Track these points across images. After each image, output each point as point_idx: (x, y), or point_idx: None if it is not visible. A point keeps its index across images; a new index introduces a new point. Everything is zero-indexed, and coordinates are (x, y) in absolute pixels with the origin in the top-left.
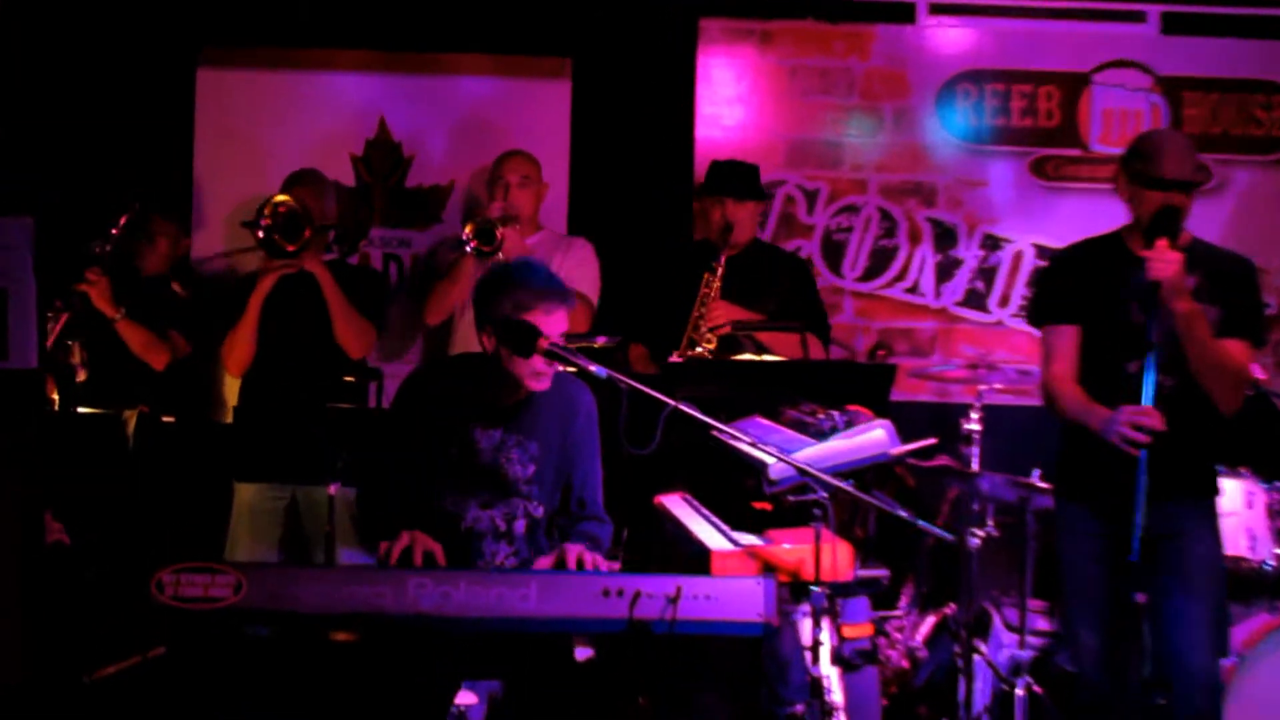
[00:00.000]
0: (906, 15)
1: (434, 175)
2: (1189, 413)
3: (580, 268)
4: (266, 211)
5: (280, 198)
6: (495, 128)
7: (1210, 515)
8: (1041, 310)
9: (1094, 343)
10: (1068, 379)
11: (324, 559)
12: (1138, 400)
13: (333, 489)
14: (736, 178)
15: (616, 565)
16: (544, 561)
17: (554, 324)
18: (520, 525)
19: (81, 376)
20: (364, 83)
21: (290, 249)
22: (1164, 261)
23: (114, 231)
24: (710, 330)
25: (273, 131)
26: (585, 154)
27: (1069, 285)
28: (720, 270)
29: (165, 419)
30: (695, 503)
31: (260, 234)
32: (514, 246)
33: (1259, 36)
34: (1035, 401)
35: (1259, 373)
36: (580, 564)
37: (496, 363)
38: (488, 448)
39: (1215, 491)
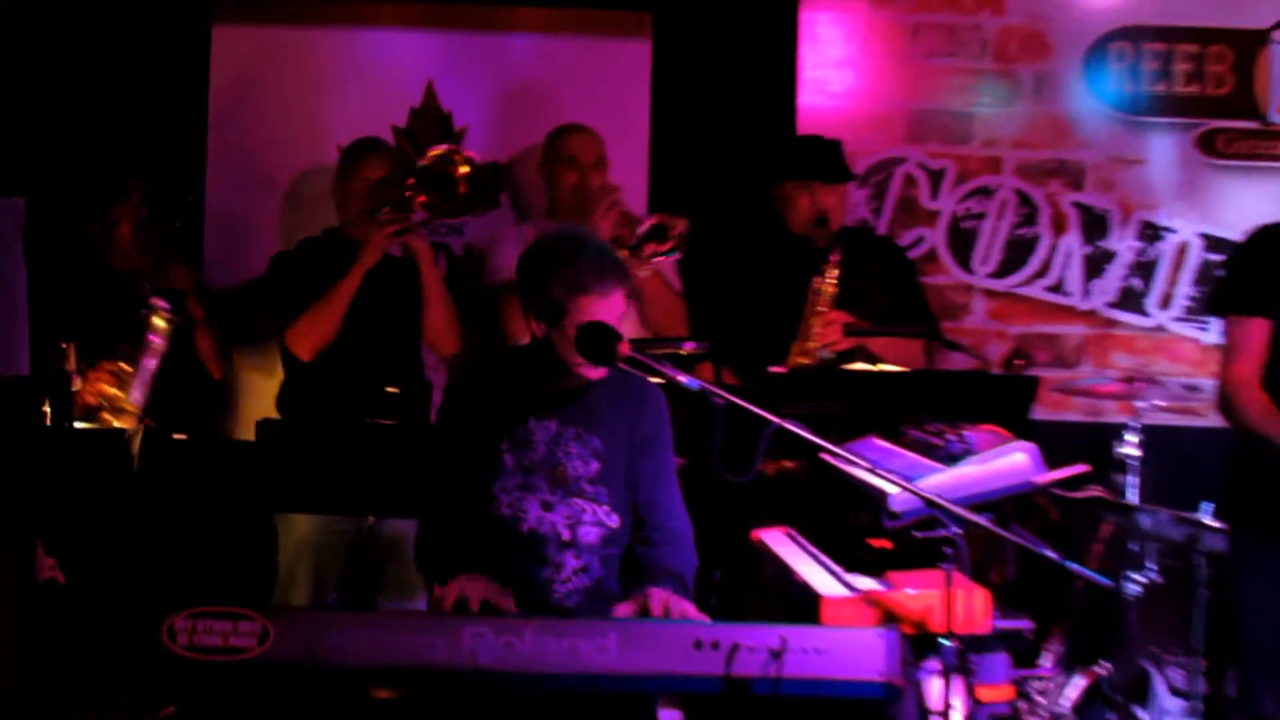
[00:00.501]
0: None
1: (491, 150)
2: None
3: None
4: (409, 183)
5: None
6: (562, 95)
7: None
8: (1228, 298)
9: None
10: (1252, 383)
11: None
12: None
13: (372, 521)
14: (825, 157)
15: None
16: (624, 609)
17: (611, 306)
18: (589, 533)
19: (77, 385)
20: (408, 41)
21: (439, 209)
22: None
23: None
24: (824, 348)
25: (301, 99)
26: (668, 127)
27: (1265, 271)
28: (832, 272)
29: (175, 436)
30: (801, 539)
31: (416, 197)
32: None
33: None
34: (1205, 422)
35: None
36: (667, 613)
37: (546, 348)
38: (543, 440)
39: None
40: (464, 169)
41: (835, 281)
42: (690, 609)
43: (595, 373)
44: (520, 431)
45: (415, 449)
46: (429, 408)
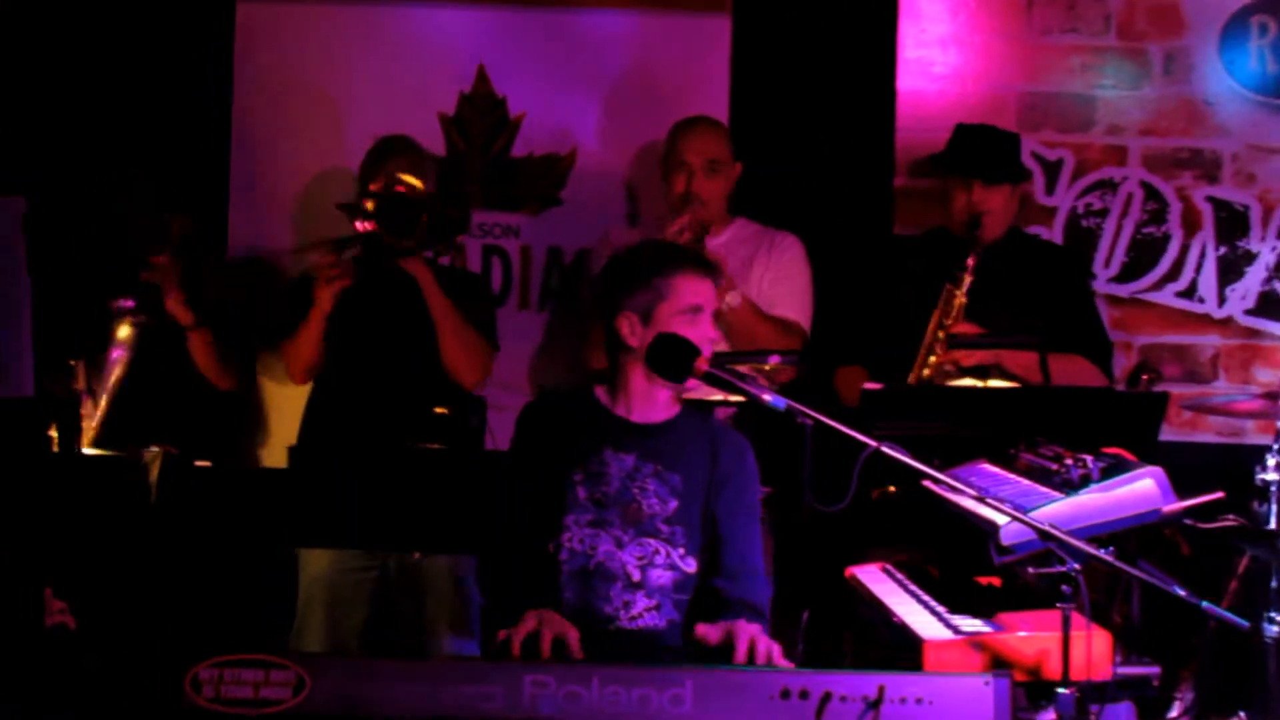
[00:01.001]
0: None
1: (549, 141)
2: None
3: (782, 277)
4: (372, 190)
5: (402, 177)
6: (629, 78)
7: None
8: None
9: None
10: None
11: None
12: None
13: (418, 556)
14: (988, 152)
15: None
16: (713, 635)
17: (703, 291)
18: (663, 576)
19: (88, 407)
20: (457, 18)
21: (406, 244)
22: None
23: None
24: (952, 367)
25: (336, 85)
26: (749, 112)
27: None
28: (967, 280)
29: (198, 463)
30: (900, 576)
31: (362, 223)
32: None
33: None
34: None
35: None
36: (752, 655)
37: (619, 373)
38: (619, 474)
39: None
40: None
41: (966, 291)
42: (778, 651)
43: (665, 399)
44: (594, 463)
45: (464, 476)
46: (480, 431)
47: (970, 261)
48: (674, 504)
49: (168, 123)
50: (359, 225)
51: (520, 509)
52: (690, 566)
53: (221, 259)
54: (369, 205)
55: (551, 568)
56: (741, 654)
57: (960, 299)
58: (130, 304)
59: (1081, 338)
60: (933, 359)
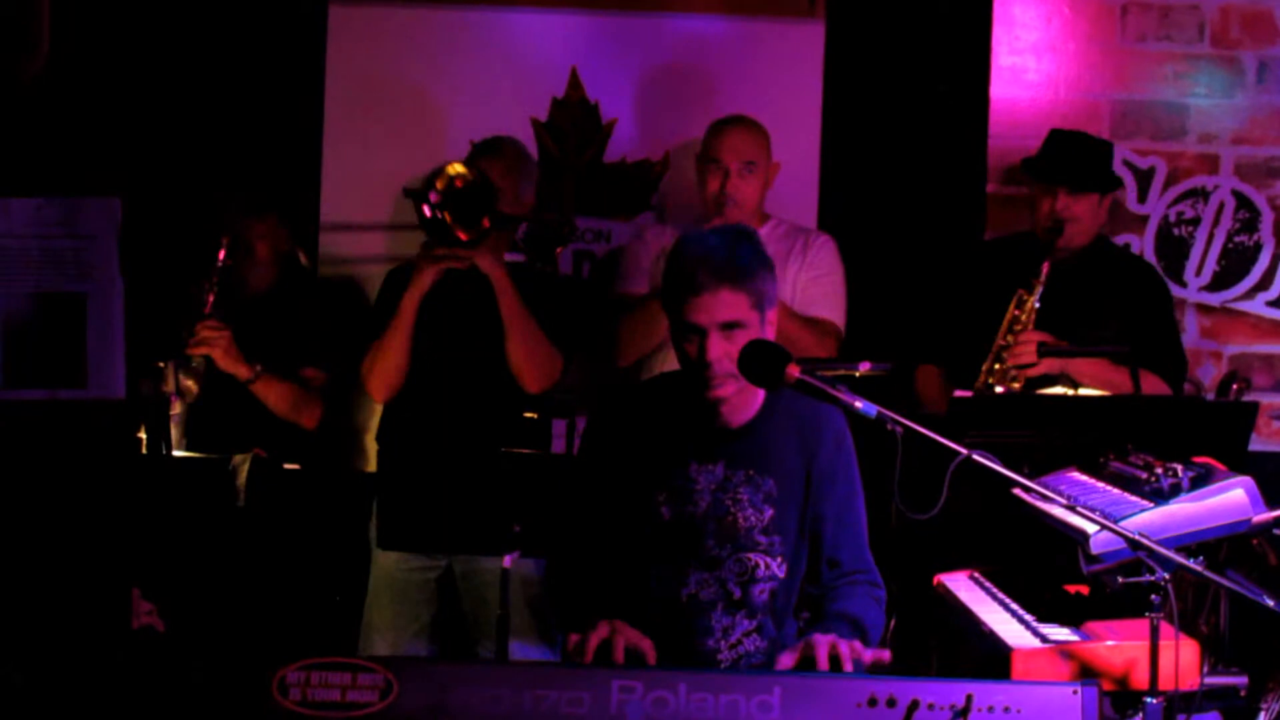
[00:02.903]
0: None
1: (642, 146)
2: None
3: (818, 277)
4: (439, 185)
5: (457, 168)
6: (722, 83)
7: None
8: None
9: None
10: None
11: (493, 652)
12: None
13: (508, 560)
14: (1077, 159)
15: (886, 654)
16: (786, 659)
17: (719, 308)
18: (763, 591)
19: (178, 409)
20: (550, 22)
21: (464, 235)
22: None
23: (218, 265)
24: (1018, 369)
25: (428, 89)
26: (842, 119)
27: None
28: (1039, 287)
29: (287, 466)
30: (989, 584)
31: (427, 210)
32: None
33: None
34: None
35: None
36: (836, 660)
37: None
38: (707, 488)
39: None
40: (452, 186)
41: (1040, 297)
42: (863, 651)
43: (722, 391)
44: (679, 479)
45: (550, 480)
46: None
47: (1045, 268)
48: (770, 512)
49: (261, 126)
50: (425, 209)
51: (591, 518)
52: (783, 572)
53: (313, 270)
54: (435, 190)
55: (638, 595)
56: (822, 664)
57: (1032, 305)
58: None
59: (1158, 354)
60: (998, 365)
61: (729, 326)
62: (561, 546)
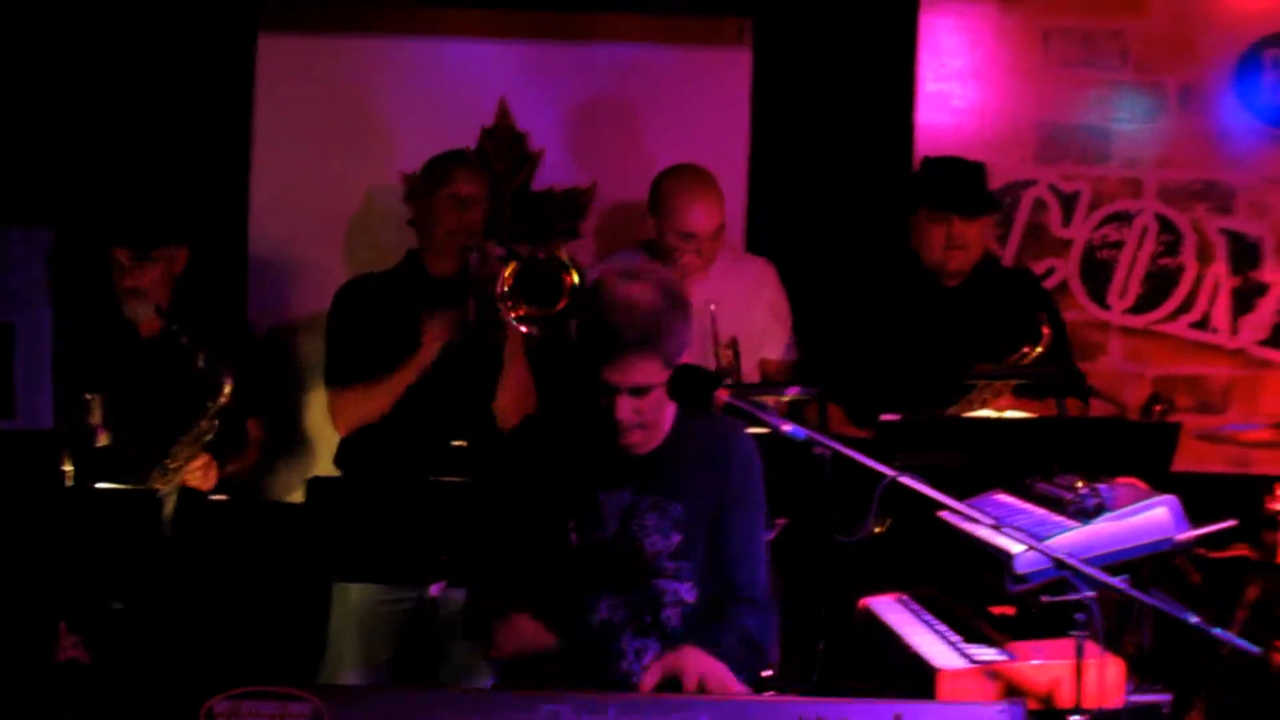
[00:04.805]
0: None
1: (570, 174)
2: None
3: (777, 317)
4: (506, 282)
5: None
6: (651, 111)
7: None
8: None
9: None
10: None
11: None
12: None
13: (435, 590)
14: (965, 185)
15: (769, 676)
16: (650, 677)
17: (632, 373)
18: (672, 615)
19: (103, 440)
20: (479, 52)
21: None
22: None
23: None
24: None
25: (357, 119)
26: (769, 145)
27: None
28: (1046, 333)
29: (214, 497)
30: (915, 606)
31: (512, 312)
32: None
33: None
34: None
35: None
36: (703, 689)
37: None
38: (615, 514)
39: None
40: (573, 279)
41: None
42: (729, 680)
43: (632, 438)
44: (588, 505)
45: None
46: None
47: (1043, 316)
48: (677, 538)
49: (188, 156)
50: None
51: (504, 550)
52: (692, 596)
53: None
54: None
55: (552, 620)
56: (688, 687)
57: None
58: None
59: (1064, 363)
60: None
61: (640, 391)
62: (478, 575)
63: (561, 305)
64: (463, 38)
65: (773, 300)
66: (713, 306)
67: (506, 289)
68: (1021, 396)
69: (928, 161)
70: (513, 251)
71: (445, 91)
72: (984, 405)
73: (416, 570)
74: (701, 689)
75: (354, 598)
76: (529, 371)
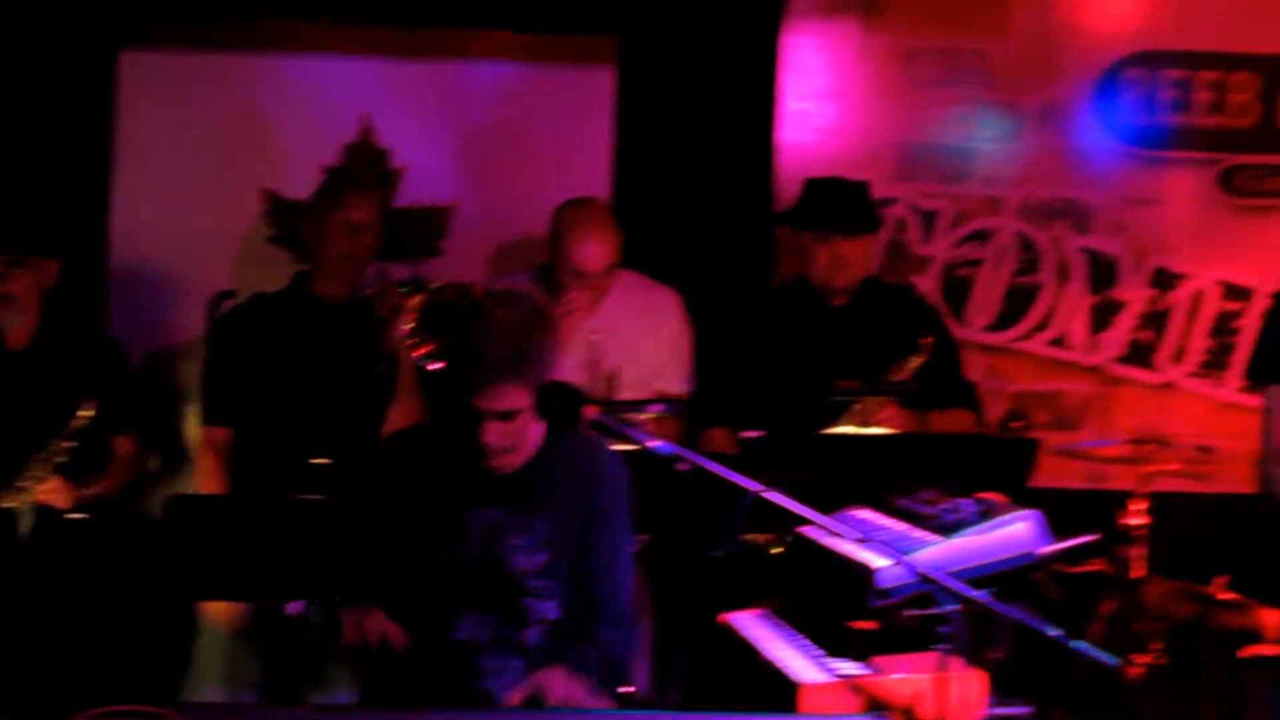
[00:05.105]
0: None
1: (432, 192)
2: None
3: (676, 349)
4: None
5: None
6: (514, 129)
7: None
8: (1263, 365)
9: None
10: None
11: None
12: None
13: (294, 608)
14: (845, 205)
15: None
16: (515, 696)
17: (500, 400)
18: (535, 633)
19: None
20: (342, 69)
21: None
22: None
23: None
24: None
25: (221, 135)
26: (633, 162)
27: None
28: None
29: (74, 516)
30: (777, 621)
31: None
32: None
33: None
34: (1220, 489)
35: None
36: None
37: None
38: (480, 533)
39: None
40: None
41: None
42: (591, 700)
43: (502, 460)
44: (454, 524)
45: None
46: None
47: (925, 329)
48: (541, 557)
49: (49, 175)
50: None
51: (372, 566)
52: (556, 614)
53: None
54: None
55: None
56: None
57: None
58: None
59: (958, 386)
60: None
61: (508, 415)
62: (342, 592)
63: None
64: (327, 54)
65: (674, 334)
66: (594, 336)
67: (412, 327)
68: (908, 408)
69: (810, 182)
70: (417, 284)
71: (309, 108)
72: (865, 421)
73: (278, 588)
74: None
75: (217, 615)
76: (420, 402)
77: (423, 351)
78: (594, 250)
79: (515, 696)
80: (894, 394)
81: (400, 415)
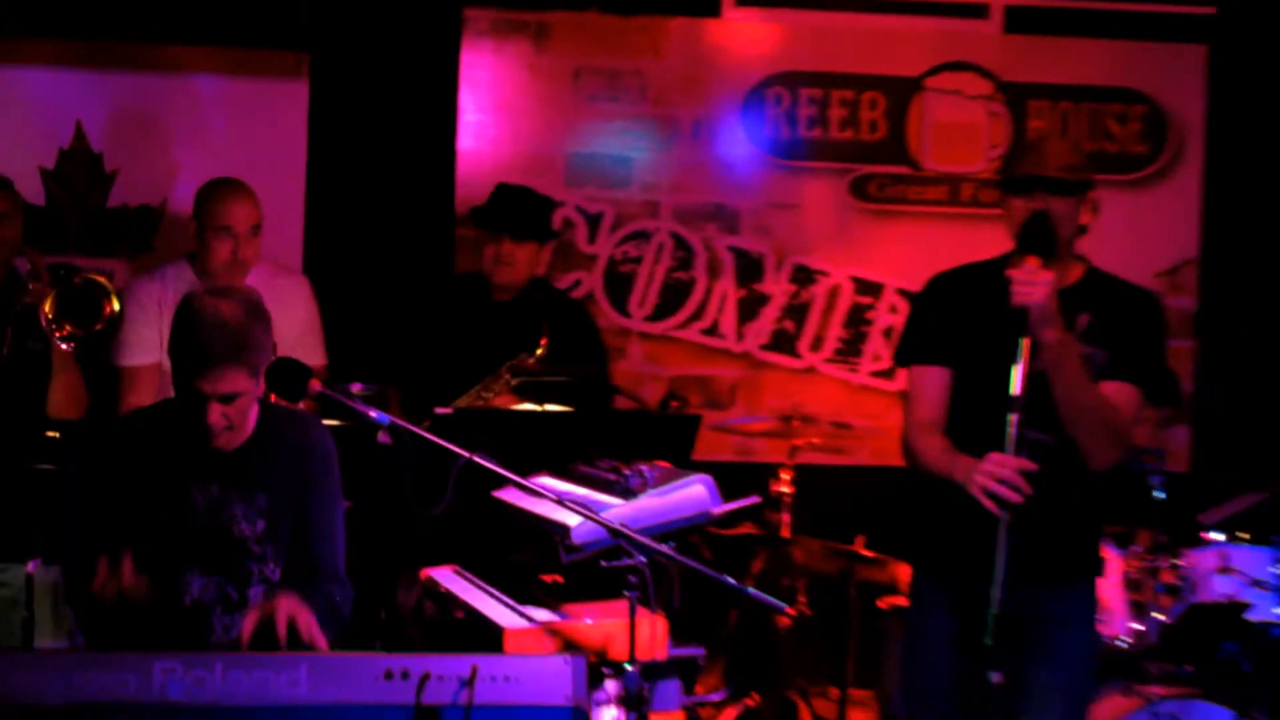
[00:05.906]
0: (710, 8)
1: (143, 193)
2: (1072, 477)
3: (303, 326)
4: (50, 306)
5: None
6: (217, 136)
7: (1090, 600)
8: (906, 348)
9: (966, 390)
10: (931, 428)
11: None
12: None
13: (31, 566)
14: (517, 211)
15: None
16: (248, 620)
17: (222, 382)
18: (258, 592)
19: None
20: (56, 80)
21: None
22: (1031, 284)
23: None
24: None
25: None
26: (325, 169)
27: (939, 319)
28: (538, 356)
29: None
30: (470, 575)
31: (56, 332)
32: None
33: (1114, 36)
34: (854, 461)
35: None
36: (294, 630)
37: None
38: (205, 507)
39: (1098, 571)
40: (113, 305)
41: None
42: (315, 630)
43: (223, 441)
44: (178, 498)
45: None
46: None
47: (543, 340)
48: (262, 524)
49: None
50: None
51: (95, 538)
52: (275, 575)
53: None
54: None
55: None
56: (281, 628)
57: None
58: None
59: (599, 376)
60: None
61: (228, 398)
62: (72, 560)
63: (99, 326)
64: (40, 66)
65: (307, 314)
66: None
67: (50, 315)
68: (523, 396)
69: (499, 187)
70: (59, 273)
71: (26, 114)
72: (484, 401)
73: (13, 547)
74: (292, 628)
75: None
76: (79, 374)
77: (61, 334)
78: (235, 206)
79: (248, 622)
80: (515, 377)
81: (61, 388)
